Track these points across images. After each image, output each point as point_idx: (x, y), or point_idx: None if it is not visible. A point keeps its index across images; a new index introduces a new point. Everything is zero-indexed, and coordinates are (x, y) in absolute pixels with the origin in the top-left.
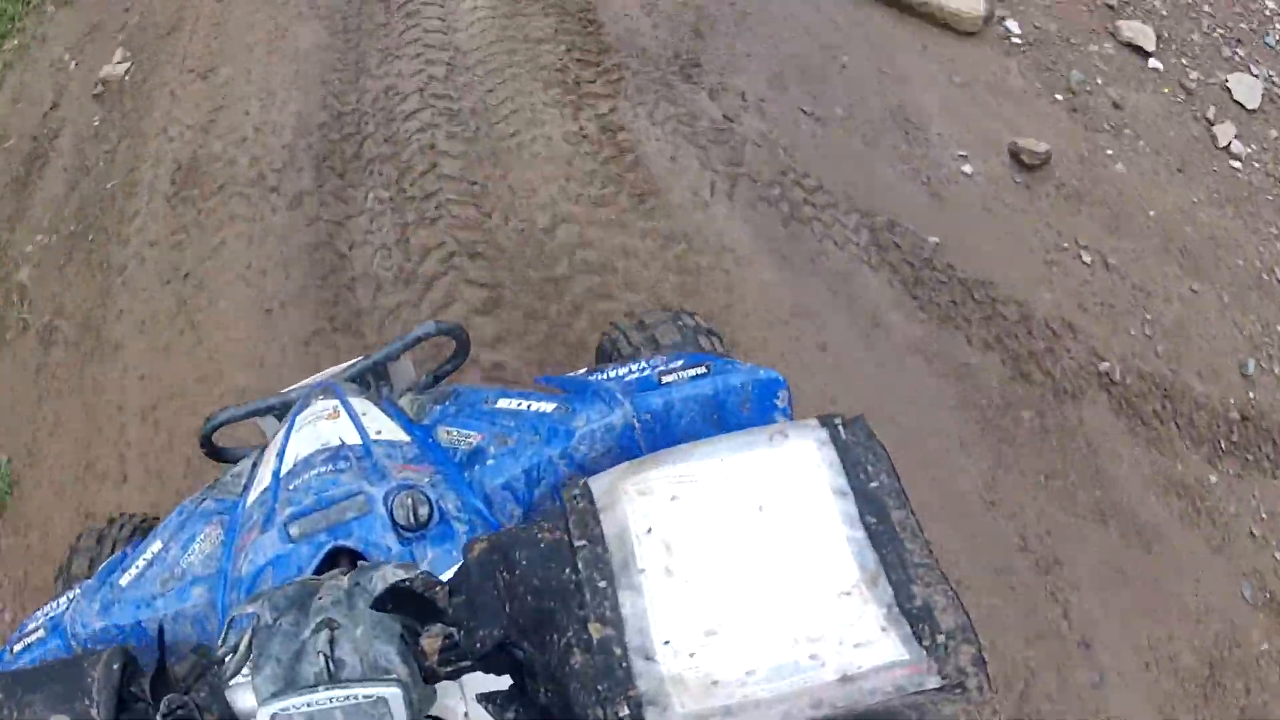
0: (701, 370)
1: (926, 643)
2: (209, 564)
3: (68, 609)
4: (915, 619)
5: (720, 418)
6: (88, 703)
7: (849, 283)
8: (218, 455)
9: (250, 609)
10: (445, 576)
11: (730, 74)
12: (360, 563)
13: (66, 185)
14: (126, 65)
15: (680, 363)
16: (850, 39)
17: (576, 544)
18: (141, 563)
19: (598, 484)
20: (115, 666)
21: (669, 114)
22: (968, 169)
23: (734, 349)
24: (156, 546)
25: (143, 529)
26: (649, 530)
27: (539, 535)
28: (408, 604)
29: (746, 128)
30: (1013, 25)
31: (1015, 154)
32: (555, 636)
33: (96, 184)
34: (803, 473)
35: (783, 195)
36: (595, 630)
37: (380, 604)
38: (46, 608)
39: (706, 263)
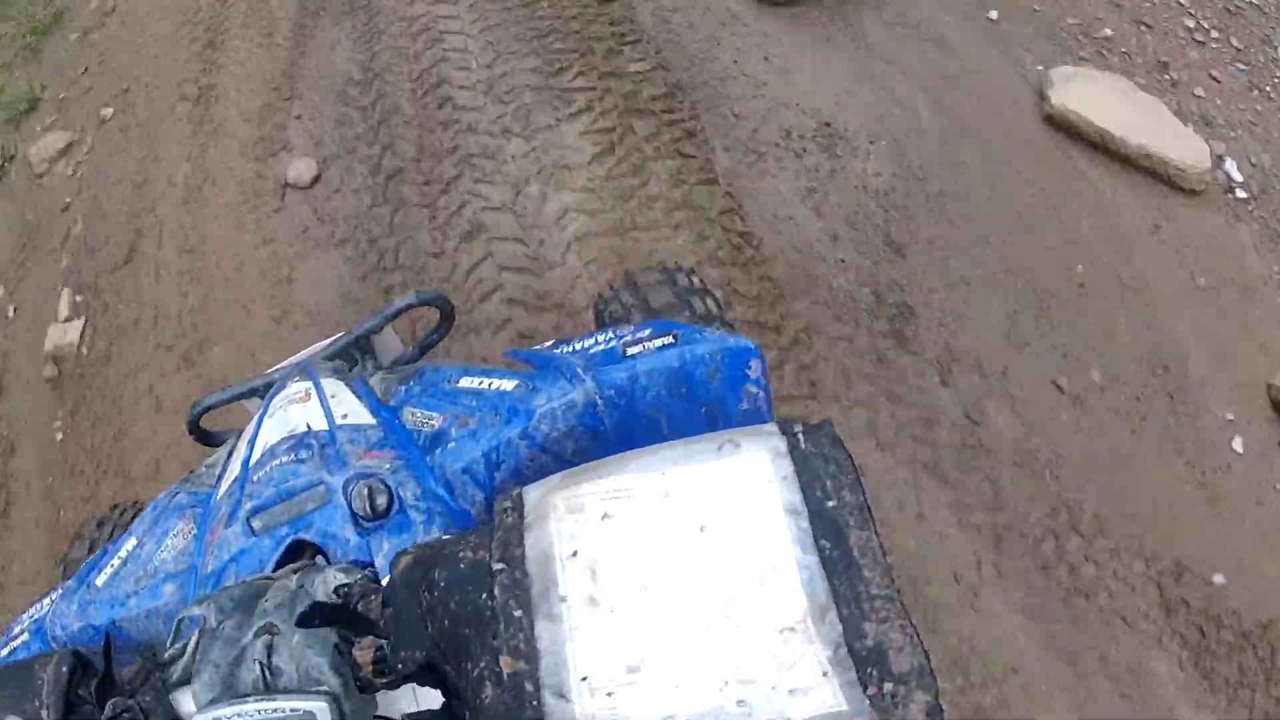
0: (668, 340)
1: (873, 690)
2: (181, 560)
3: (49, 611)
4: (864, 661)
5: (689, 390)
6: (38, 704)
7: (1140, 681)
8: (207, 439)
9: (198, 611)
10: None
11: (955, 323)
12: (317, 557)
13: (46, 554)
14: (80, 327)
15: (647, 332)
16: (1076, 224)
17: (495, 567)
18: (117, 561)
19: (531, 495)
20: (64, 669)
21: (898, 424)
22: (1237, 444)
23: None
24: (131, 544)
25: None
26: (574, 553)
27: (461, 554)
28: (338, 616)
29: (997, 431)
30: (1232, 169)
31: (1276, 403)
32: (470, 666)
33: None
34: (753, 488)
35: (1059, 552)
36: (506, 664)
37: (306, 620)
38: (31, 610)
39: (990, 701)
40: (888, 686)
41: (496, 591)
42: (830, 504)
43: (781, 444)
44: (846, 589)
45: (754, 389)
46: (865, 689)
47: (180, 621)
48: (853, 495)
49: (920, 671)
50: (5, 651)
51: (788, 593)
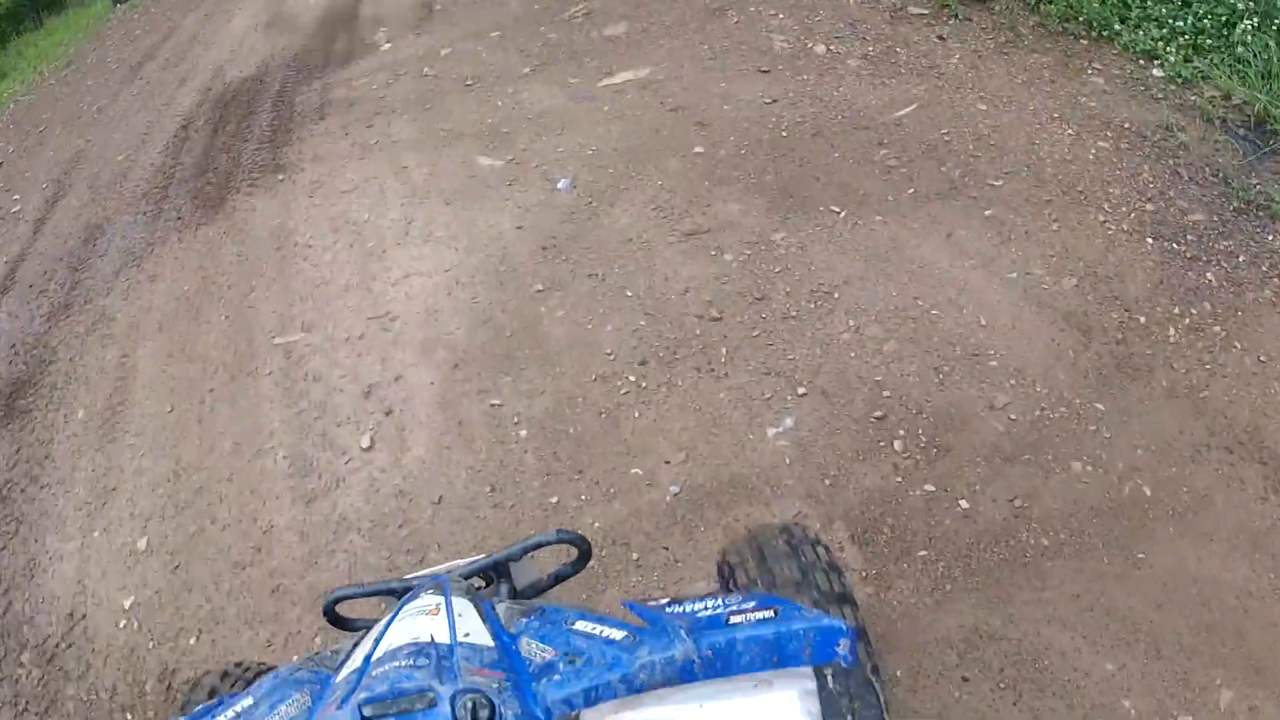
0: (769, 614)
1: None
2: None
3: None
4: None
5: (780, 661)
6: None
7: None
8: (339, 624)
9: None
10: None
11: None
12: None
13: None
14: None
15: (752, 604)
16: None
17: None
18: (231, 714)
19: (590, 716)
20: None
21: None
22: None
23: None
24: (248, 702)
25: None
26: None
27: None
28: None
29: None
30: None
31: None
32: None
33: None
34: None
35: None
36: None
37: None
38: None
39: None
40: None
41: None
42: None
43: (811, 684)
44: None
45: (840, 665)
46: None
47: None
48: None
49: None
50: None
51: None
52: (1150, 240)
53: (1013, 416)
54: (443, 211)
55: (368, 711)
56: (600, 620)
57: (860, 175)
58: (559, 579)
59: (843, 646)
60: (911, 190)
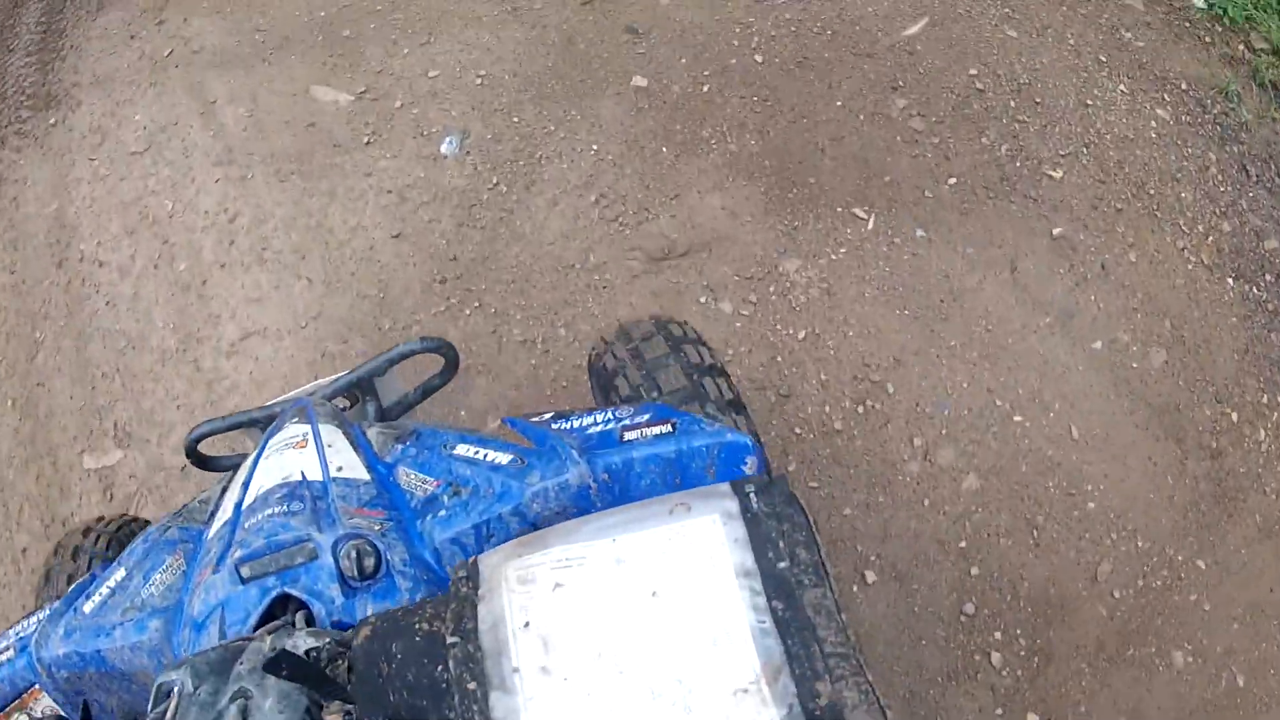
0: (666, 428)
1: None
2: (168, 596)
3: (35, 632)
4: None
5: (682, 481)
6: None
7: None
8: (205, 464)
9: (174, 675)
10: None
11: None
12: (300, 613)
13: None
14: None
15: (646, 417)
16: None
17: (449, 640)
18: (105, 590)
19: (486, 563)
20: None
21: None
22: None
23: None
24: (120, 574)
25: (119, 539)
26: (526, 624)
27: (417, 625)
28: (308, 673)
29: None
30: None
31: None
32: None
33: None
34: (704, 552)
35: None
36: None
37: (274, 667)
38: (18, 626)
39: None
40: None
41: (450, 664)
42: (782, 565)
43: (733, 505)
44: (800, 649)
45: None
46: None
47: (160, 686)
48: (807, 553)
49: None
50: None
51: (740, 655)
52: (1231, 281)
53: (1116, 594)
54: (276, 197)
55: (245, 572)
56: (482, 442)
57: (879, 143)
58: (428, 392)
59: (749, 464)
60: (952, 179)
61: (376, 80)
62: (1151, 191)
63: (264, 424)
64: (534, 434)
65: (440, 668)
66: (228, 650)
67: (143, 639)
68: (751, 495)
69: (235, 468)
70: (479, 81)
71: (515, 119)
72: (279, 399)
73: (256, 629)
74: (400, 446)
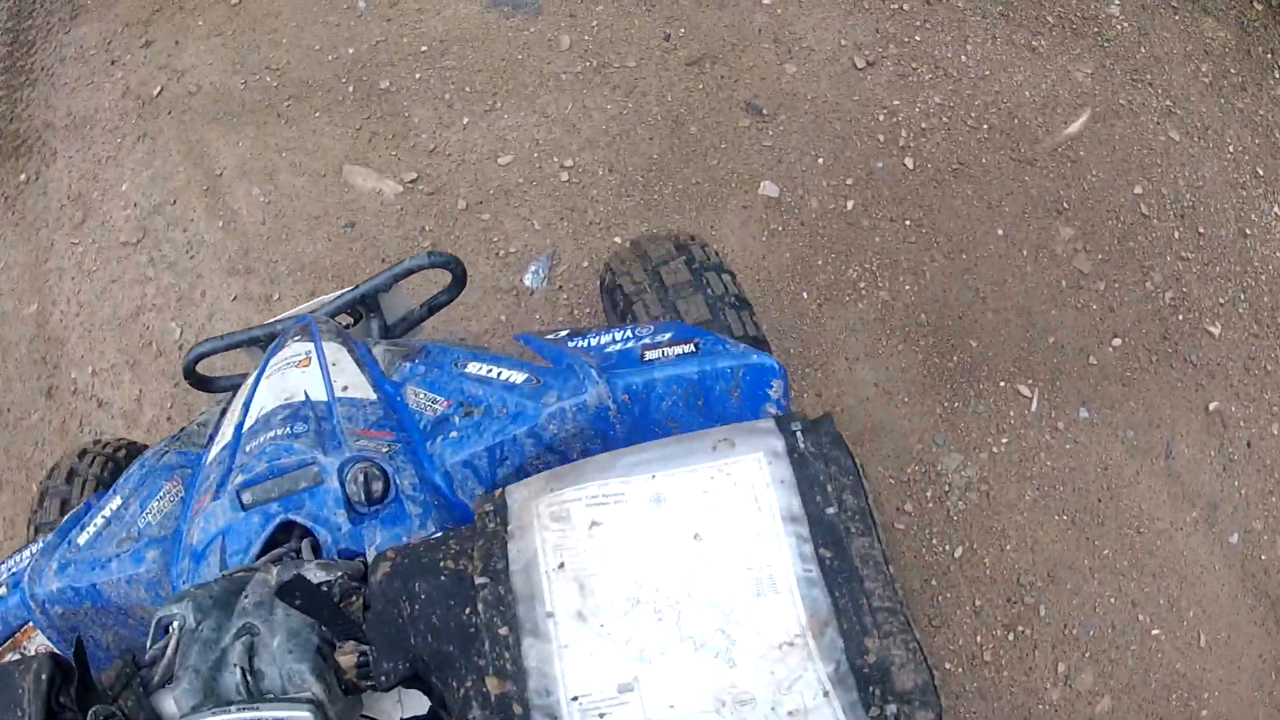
0: (689, 348)
1: (875, 711)
2: (166, 524)
3: (28, 566)
4: (866, 679)
5: (705, 405)
6: (19, 714)
7: None
8: (204, 385)
9: (175, 609)
10: None
11: None
12: (305, 540)
13: None
14: None
15: (668, 336)
16: None
17: (477, 581)
18: (100, 520)
19: (514, 497)
20: (44, 677)
21: None
22: None
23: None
24: (116, 503)
25: (116, 459)
26: (561, 565)
27: (442, 563)
28: (321, 607)
29: None
30: None
31: None
32: (455, 684)
33: None
34: (749, 494)
35: None
36: (493, 685)
37: (286, 593)
38: (10, 560)
39: None
40: (890, 708)
41: (480, 608)
42: (830, 510)
43: (779, 443)
44: (848, 601)
45: (773, 409)
46: (868, 710)
47: (159, 620)
48: (855, 499)
49: (924, 690)
50: None
51: (786, 606)
52: None
53: None
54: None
55: (246, 498)
56: (495, 360)
57: (1044, 290)
58: (434, 309)
59: (775, 388)
60: (1117, 339)
61: (430, 164)
62: None
63: (265, 342)
64: (550, 352)
65: (469, 610)
66: (231, 582)
67: (140, 571)
68: (798, 434)
69: (235, 388)
70: (565, 177)
71: (617, 238)
72: (280, 316)
73: (259, 558)
74: (408, 364)
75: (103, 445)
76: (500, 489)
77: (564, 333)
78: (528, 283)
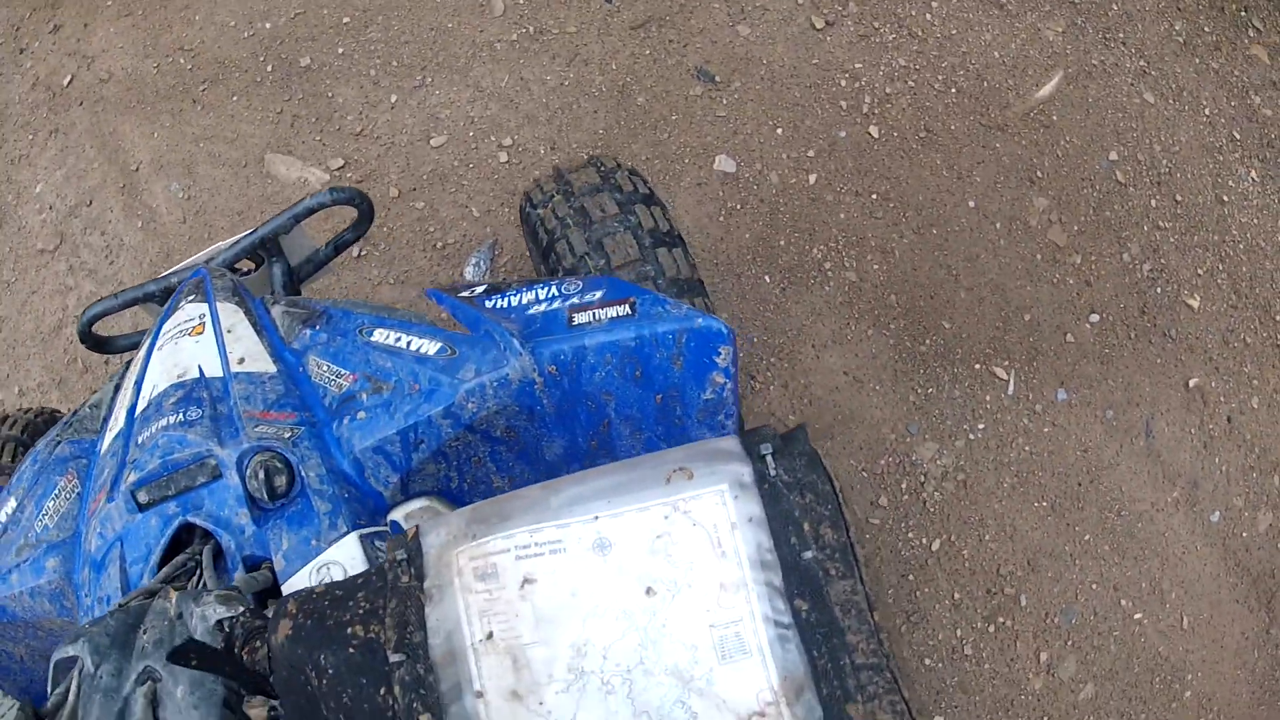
0: (624, 310)
1: None
2: (64, 526)
3: None
4: None
5: (644, 374)
6: None
7: None
8: (102, 347)
9: (72, 651)
10: (302, 576)
11: None
12: (206, 548)
13: None
14: None
15: (598, 295)
16: None
17: (392, 658)
18: None
19: (431, 541)
20: None
21: None
22: None
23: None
24: (11, 505)
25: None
26: (489, 635)
27: (350, 629)
28: (219, 661)
29: None
30: None
31: None
32: None
33: None
34: (710, 536)
35: None
36: None
37: (181, 657)
38: None
39: None
40: None
41: (397, 690)
42: (808, 554)
43: (746, 471)
44: (827, 660)
45: (720, 378)
46: None
47: (56, 663)
48: (835, 534)
49: None
50: None
51: (756, 669)
52: None
53: None
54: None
55: (142, 497)
56: (404, 327)
57: (1019, 265)
58: (340, 247)
59: (723, 355)
60: (1094, 315)
61: (357, 149)
62: (1277, 317)
63: (161, 298)
64: (466, 315)
65: (384, 691)
66: (128, 614)
67: (41, 583)
68: (768, 458)
69: (135, 346)
70: (504, 157)
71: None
72: (176, 267)
73: (162, 564)
74: (309, 331)
75: (24, 410)
76: (414, 530)
77: (481, 289)
78: (469, 275)
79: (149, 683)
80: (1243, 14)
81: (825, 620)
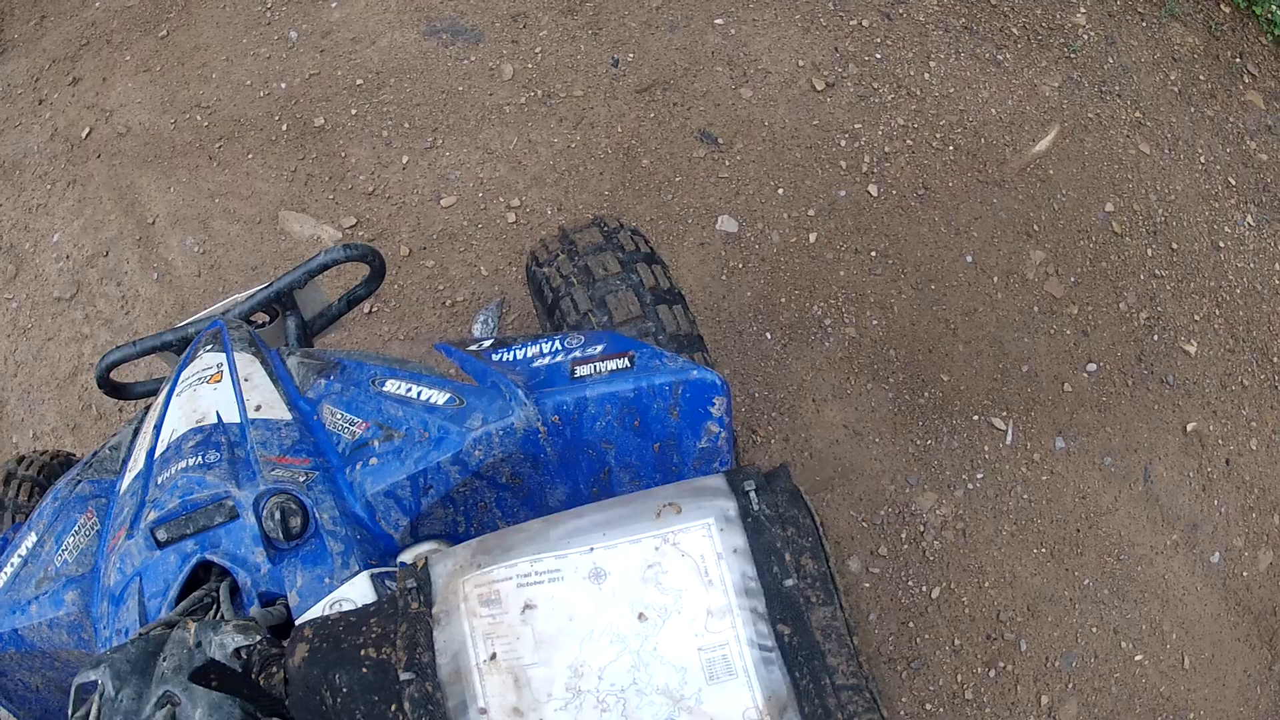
0: (623, 363)
1: None
2: (83, 561)
3: None
4: None
5: (642, 424)
6: None
7: None
8: (119, 393)
9: (93, 676)
10: (316, 612)
11: None
12: (223, 584)
13: None
14: None
15: (599, 348)
16: None
17: (403, 677)
18: (16, 559)
19: (439, 570)
20: None
21: None
22: None
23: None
24: (31, 540)
25: (53, 468)
26: (492, 656)
27: (363, 650)
28: (238, 684)
29: None
30: None
31: None
32: None
33: None
34: (698, 566)
35: None
36: None
37: (201, 677)
38: None
39: None
40: None
41: (407, 707)
42: (789, 582)
43: (731, 506)
44: (809, 681)
45: (715, 427)
46: None
47: (78, 689)
48: (815, 564)
49: None
50: None
51: (741, 690)
52: None
53: None
54: None
55: (161, 535)
56: (414, 378)
57: (1016, 318)
58: (352, 302)
59: (717, 406)
60: (1091, 364)
61: (369, 208)
62: (1275, 359)
63: (178, 347)
64: (473, 367)
65: (394, 708)
66: (148, 642)
67: (60, 614)
68: (752, 494)
69: (152, 394)
70: (512, 218)
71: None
72: (194, 318)
73: (179, 600)
74: (323, 381)
75: (27, 464)
76: (424, 559)
77: (488, 343)
78: (477, 333)
79: (168, 706)
80: (1237, 60)
81: (807, 644)
